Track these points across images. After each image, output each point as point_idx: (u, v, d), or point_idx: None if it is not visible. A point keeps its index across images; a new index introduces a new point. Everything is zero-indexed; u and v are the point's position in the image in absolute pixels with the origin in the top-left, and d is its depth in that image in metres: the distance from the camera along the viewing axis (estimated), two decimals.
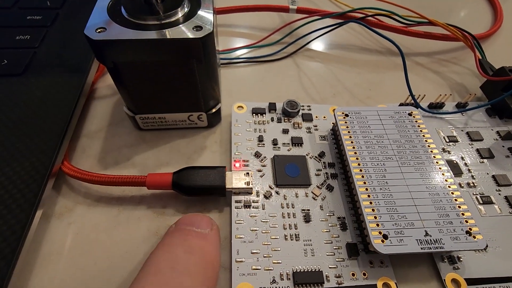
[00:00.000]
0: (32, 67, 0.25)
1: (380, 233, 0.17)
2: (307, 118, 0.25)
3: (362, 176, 0.20)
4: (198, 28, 0.18)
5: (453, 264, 0.19)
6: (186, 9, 0.19)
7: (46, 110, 0.22)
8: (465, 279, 0.18)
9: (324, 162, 0.23)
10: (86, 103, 0.26)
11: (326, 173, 0.22)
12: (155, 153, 0.23)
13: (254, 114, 0.25)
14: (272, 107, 0.25)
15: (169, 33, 0.17)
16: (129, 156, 0.23)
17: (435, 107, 0.27)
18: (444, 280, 0.18)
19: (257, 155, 0.23)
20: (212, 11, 0.19)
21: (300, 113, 0.26)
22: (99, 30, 0.17)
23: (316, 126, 0.25)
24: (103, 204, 0.21)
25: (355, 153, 0.21)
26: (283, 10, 0.34)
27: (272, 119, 0.25)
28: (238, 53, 0.32)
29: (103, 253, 0.19)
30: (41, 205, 0.18)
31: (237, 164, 0.22)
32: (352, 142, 0.21)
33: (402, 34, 0.32)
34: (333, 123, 0.25)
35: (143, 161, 0.23)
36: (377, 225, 0.18)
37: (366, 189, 0.19)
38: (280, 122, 0.25)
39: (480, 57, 0.29)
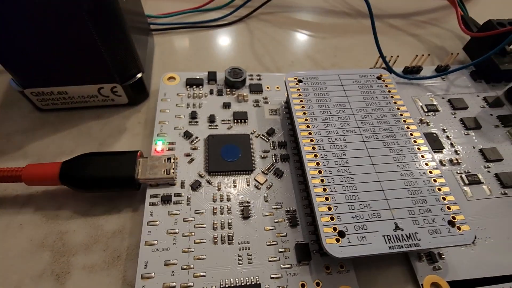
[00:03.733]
0: None
1: (335, 229, 0.13)
2: (256, 89, 0.20)
3: (315, 155, 0.15)
4: None
5: (433, 263, 0.15)
6: None
7: None
8: (448, 282, 0.14)
9: (273, 142, 0.18)
10: None
11: (275, 154, 0.18)
12: (57, 139, 0.18)
13: (188, 86, 0.20)
14: (212, 77, 0.20)
15: None
16: (21, 144, 0.18)
17: (411, 72, 0.22)
18: (422, 285, 0.14)
19: (187, 135, 0.18)
20: None
21: (246, 84, 0.21)
22: None
23: (266, 98, 0.20)
24: None
25: (308, 126, 0.16)
26: None
27: (211, 92, 0.20)
28: (179, 18, 0.27)
29: None
30: None
31: (159, 148, 0.17)
32: (304, 113, 0.17)
33: None
34: (287, 94, 0.20)
35: (40, 150, 0.18)
36: (332, 218, 0.13)
37: (320, 172, 0.15)
38: (221, 95, 0.20)
39: (463, 14, 0.25)
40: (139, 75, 0.19)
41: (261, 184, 0.16)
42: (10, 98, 0.20)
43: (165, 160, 0.16)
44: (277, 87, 0.21)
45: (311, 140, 0.16)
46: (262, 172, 0.17)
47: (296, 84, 0.18)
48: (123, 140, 0.18)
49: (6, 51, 0.15)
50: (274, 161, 0.17)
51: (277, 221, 0.15)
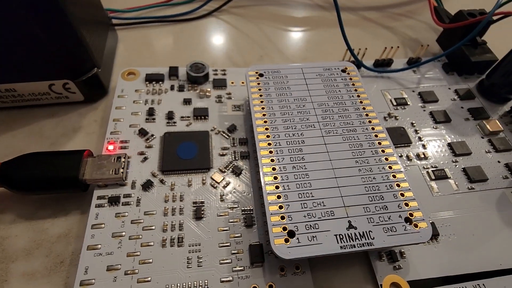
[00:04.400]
0: None
1: (284, 229, 0.12)
2: (219, 84, 0.20)
3: (270, 152, 0.14)
4: None
5: (394, 262, 0.14)
6: None
7: None
8: (408, 282, 0.14)
9: (233, 139, 0.17)
10: None
11: (235, 152, 0.17)
12: (7, 138, 0.17)
13: (147, 82, 0.19)
14: (173, 72, 0.20)
15: None
16: None
17: (382, 65, 0.22)
18: (381, 285, 0.13)
19: (143, 133, 0.17)
20: None
21: (210, 79, 0.20)
22: None
23: (229, 94, 0.19)
24: None
25: (265, 121, 0.15)
26: None
27: (172, 88, 0.19)
28: (147, 12, 0.26)
29: None
30: None
31: (111, 147, 0.16)
32: (263, 108, 0.16)
33: None
34: None
35: None
36: (282, 218, 0.12)
37: (273, 169, 0.14)
38: (183, 90, 0.19)
39: (436, 5, 0.25)
40: (93, 71, 0.18)
41: (218, 183, 0.16)
42: None
43: (114, 159, 0.15)
44: (242, 82, 0.20)
45: (267, 136, 0.15)
46: (220, 170, 0.16)
47: (257, 78, 0.17)
48: (77, 139, 0.18)
49: None
50: (233, 158, 0.17)
51: (232, 221, 0.14)
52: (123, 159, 0.15)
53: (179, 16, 0.25)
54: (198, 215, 0.14)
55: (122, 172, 0.15)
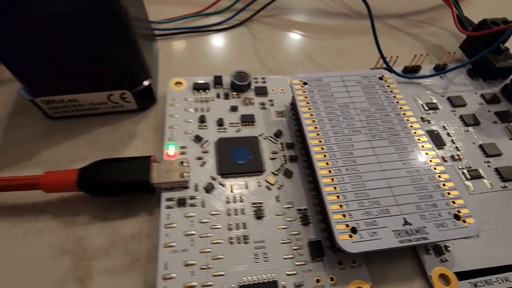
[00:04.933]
0: None
1: (347, 226, 0.14)
2: (261, 92, 0.21)
3: (324, 156, 0.16)
4: None
5: (440, 255, 0.15)
6: None
7: None
8: (455, 273, 0.15)
9: (281, 143, 0.19)
10: None
11: (284, 155, 0.18)
12: (69, 146, 0.18)
13: (195, 91, 0.20)
14: (217, 81, 0.21)
15: None
16: (33, 152, 0.18)
17: (411, 71, 0.23)
18: (430, 276, 0.15)
19: (198, 139, 0.18)
20: None
21: (252, 87, 0.21)
22: None
23: (271, 100, 0.21)
24: None
25: (316, 127, 0.17)
26: None
27: (218, 96, 0.20)
28: (181, 23, 0.27)
29: None
30: None
31: (171, 152, 0.17)
32: (312, 115, 0.17)
33: None
34: (292, 96, 0.21)
35: (52, 158, 0.18)
36: (344, 216, 0.14)
37: (329, 171, 0.15)
38: (228, 98, 0.20)
39: (458, 13, 0.26)
40: (147, 81, 0.19)
41: (272, 185, 0.17)
42: (20, 106, 0.20)
43: (178, 163, 0.16)
44: (282, 89, 0.21)
45: (320, 141, 0.16)
46: (272, 173, 0.17)
47: (302, 86, 0.19)
48: (134, 145, 0.19)
49: (16, 61, 0.16)
50: (283, 162, 0.18)
51: (289, 220, 0.16)
52: (186, 164, 0.16)
53: (212, 26, 0.27)
54: (258, 214, 0.16)
55: (187, 176, 0.16)
